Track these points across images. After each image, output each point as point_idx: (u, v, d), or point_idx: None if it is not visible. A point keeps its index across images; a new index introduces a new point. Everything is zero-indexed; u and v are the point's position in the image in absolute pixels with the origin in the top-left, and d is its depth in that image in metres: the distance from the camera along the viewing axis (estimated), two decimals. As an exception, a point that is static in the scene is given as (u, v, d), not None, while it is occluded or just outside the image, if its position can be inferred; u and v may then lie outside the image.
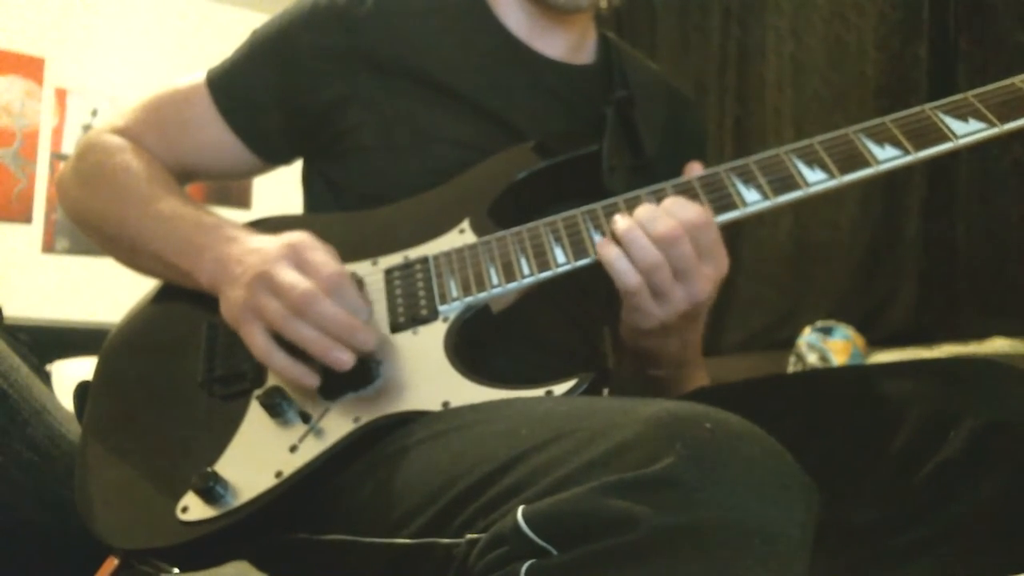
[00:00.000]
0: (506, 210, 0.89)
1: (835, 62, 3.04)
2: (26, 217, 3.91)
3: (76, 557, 0.93)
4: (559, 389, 0.73)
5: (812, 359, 2.67)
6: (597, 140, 0.94)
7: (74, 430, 1.04)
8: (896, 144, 0.79)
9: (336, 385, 0.78)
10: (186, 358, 0.87)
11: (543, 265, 0.82)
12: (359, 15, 0.98)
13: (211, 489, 0.75)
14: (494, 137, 0.95)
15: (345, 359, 0.76)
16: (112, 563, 0.84)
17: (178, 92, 1.03)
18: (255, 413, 0.80)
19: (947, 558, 0.73)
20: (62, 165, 1.09)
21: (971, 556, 0.72)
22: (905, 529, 0.74)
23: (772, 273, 3.16)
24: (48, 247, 3.95)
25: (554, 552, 0.52)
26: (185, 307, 0.91)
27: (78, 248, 3.91)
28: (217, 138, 1.02)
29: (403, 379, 0.78)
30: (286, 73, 0.99)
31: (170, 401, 0.86)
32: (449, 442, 0.68)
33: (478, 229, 0.87)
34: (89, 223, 1.00)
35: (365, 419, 0.77)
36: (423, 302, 0.83)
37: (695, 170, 0.85)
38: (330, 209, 1.00)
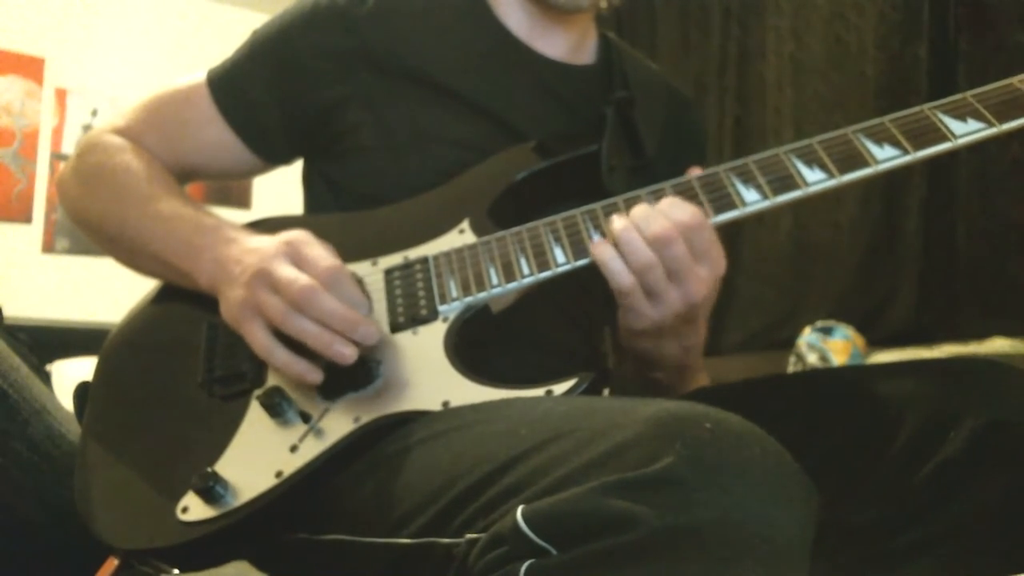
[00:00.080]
0: (506, 210, 0.89)
1: (835, 62, 3.04)
2: (26, 217, 3.92)
3: (76, 557, 0.93)
4: (559, 389, 0.73)
5: (812, 359, 2.67)
6: (597, 140, 0.94)
7: (74, 430, 1.04)
8: (895, 144, 0.79)
9: (336, 385, 0.79)
10: (186, 358, 0.87)
11: (543, 265, 0.82)
12: (359, 15, 0.98)
13: (211, 489, 0.75)
14: (494, 137, 0.95)
15: (347, 353, 0.76)
16: (112, 563, 0.84)
17: (178, 92, 1.04)
18: (255, 413, 0.80)
19: (947, 558, 0.73)
20: (62, 165, 1.09)
21: (971, 556, 0.72)
22: (905, 529, 0.74)
23: (772, 273, 3.16)
24: (48, 247, 3.95)
25: (554, 552, 0.52)
26: (185, 307, 0.91)
27: (78, 248, 3.91)
28: (217, 138, 1.02)
29: (403, 379, 0.79)
30: (286, 73, 0.99)
31: (170, 401, 0.86)
32: (449, 442, 0.68)
33: (478, 229, 0.87)
34: (89, 223, 1.00)
35: (365, 419, 0.77)
36: (423, 302, 0.83)
37: (694, 174, 0.85)
38: (330, 209, 1.00)
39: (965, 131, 0.78)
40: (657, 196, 0.82)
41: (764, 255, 3.18)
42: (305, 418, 0.78)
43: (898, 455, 0.76)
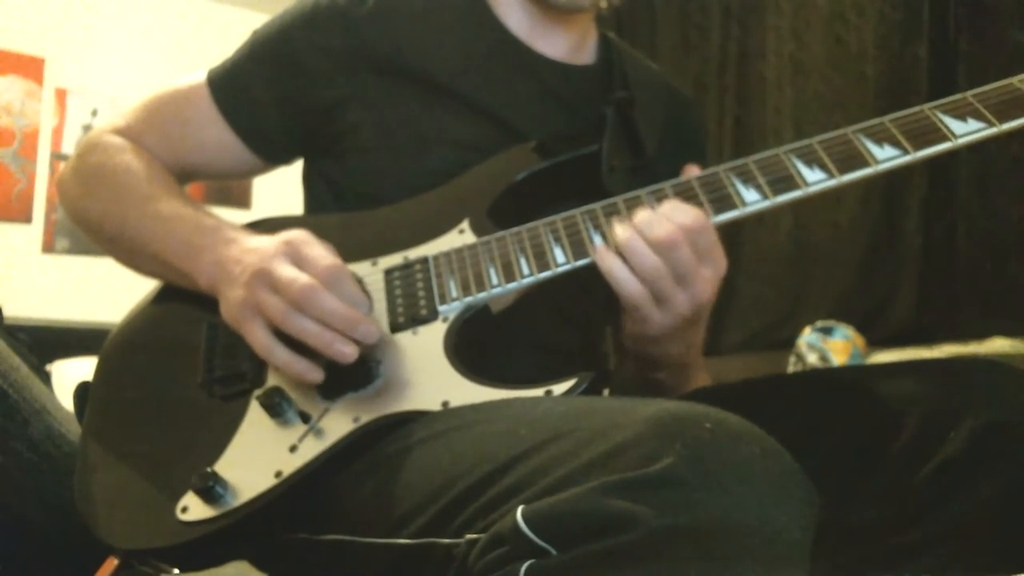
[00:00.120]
0: (506, 210, 0.89)
1: (835, 62, 3.04)
2: (26, 217, 3.92)
3: (76, 557, 0.93)
4: (558, 389, 0.73)
5: (812, 359, 2.67)
6: (597, 140, 0.94)
7: (74, 430, 1.04)
8: (895, 144, 0.79)
9: (336, 385, 0.79)
10: (186, 359, 0.87)
11: (543, 265, 0.82)
12: (359, 15, 0.98)
13: (211, 489, 0.75)
14: (494, 138, 0.95)
15: (348, 351, 0.76)
16: (112, 563, 0.84)
17: (179, 92, 1.04)
18: (255, 413, 0.80)
19: (947, 558, 0.73)
20: (63, 165, 1.09)
21: (971, 556, 0.72)
22: (905, 529, 0.74)
23: (772, 273, 3.16)
24: (48, 247, 3.95)
25: (553, 552, 0.52)
26: (185, 308, 0.91)
27: (78, 248, 3.91)
28: (218, 138, 1.02)
29: (403, 379, 0.78)
30: (286, 73, 0.99)
31: (170, 401, 0.86)
32: (449, 442, 0.68)
33: (478, 229, 0.87)
34: (89, 223, 1.00)
35: (365, 419, 0.77)
36: (423, 302, 0.83)
37: (692, 172, 0.85)
38: (330, 209, 1.00)
39: (965, 131, 0.78)
40: (657, 196, 0.82)
41: (764, 255, 3.18)
42: (305, 418, 0.78)
43: (898, 455, 0.76)
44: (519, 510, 0.54)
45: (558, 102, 1.01)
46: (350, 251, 0.86)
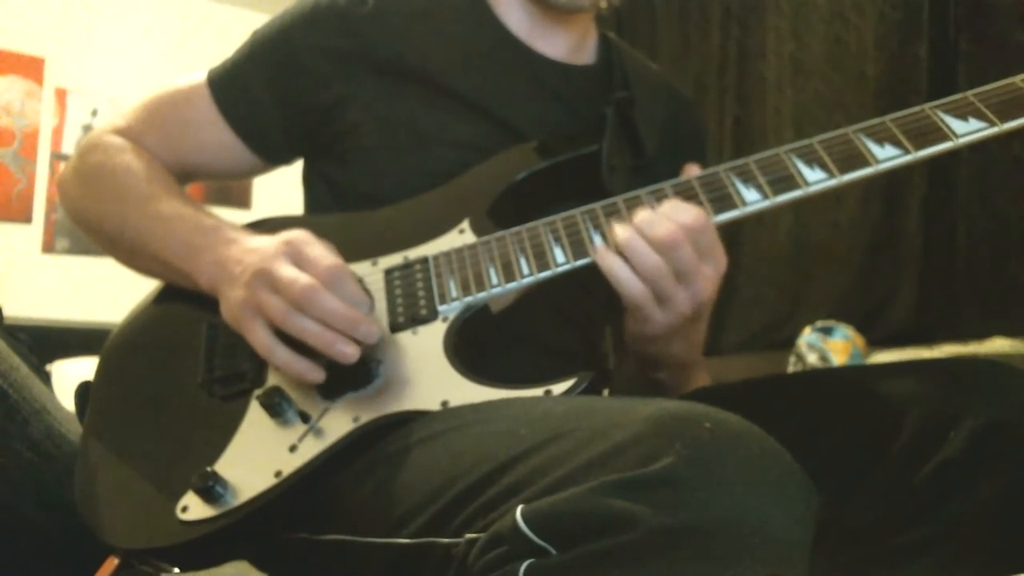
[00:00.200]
0: (506, 210, 0.89)
1: (835, 62, 3.04)
2: (26, 217, 3.92)
3: (76, 557, 0.93)
4: (558, 388, 0.73)
5: (812, 359, 2.67)
6: (597, 140, 0.94)
7: (74, 430, 1.04)
8: (896, 143, 0.79)
9: (336, 385, 0.79)
10: (186, 359, 0.87)
11: (542, 265, 0.82)
12: (360, 15, 0.98)
13: (211, 489, 0.75)
14: (494, 138, 0.95)
15: (349, 352, 0.76)
16: (112, 563, 0.84)
17: (179, 92, 1.04)
18: (255, 413, 0.80)
19: (947, 558, 0.73)
20: (63, 165, 1.09)
21: (971, 556, 0.72)
22: (905, 529, 0.74)
23: (772, 273, 3.16)
24: (48, 247, 3.95)
25: (553, 552, 0.52)
26: (186, 308, 0.91)
27: (78, 248, 3.91)
28: (218, 138, 1.02)
29: (403, 379, 0.78)
30: (286, 73, 0.99)
31: (171, 401, 0.86)
32: (448, 442, 0.68)
33: (478, 229, 0.87)
34: (90, 223, 1.00)
35: (364, 419, 0.77)
36: (423, 302, 0.83)
37: (692, 172, 0.85)
38: (330, 209, 1.00)
39: (966, 130, 0.78)
40: (657, 196, 0.82)
41: (764, 255, 3.18)
42: (304, 418, 0.78)
43: (898, 455, 0.76)
44: (518, 510, 0.54)
45: (558, 102, 1.01)
46: (350, 251, 0.86)
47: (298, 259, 0.79)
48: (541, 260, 0.82)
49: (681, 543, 0.50)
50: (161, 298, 0.97)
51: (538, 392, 0.73)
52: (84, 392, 0.93)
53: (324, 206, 1.01)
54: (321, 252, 0.80)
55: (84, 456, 0.86)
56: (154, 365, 0.90)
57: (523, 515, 0.53)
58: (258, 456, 0.77)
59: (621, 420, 0.56)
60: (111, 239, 0.98)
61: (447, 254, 0.85)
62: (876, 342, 2.71)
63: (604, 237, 0.81)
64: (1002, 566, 0.71)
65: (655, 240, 0.76)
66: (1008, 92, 0.78)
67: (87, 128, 4.02)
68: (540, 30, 1.03)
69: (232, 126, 1.01)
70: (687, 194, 0.82)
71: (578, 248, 0.81)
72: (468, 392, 0.75)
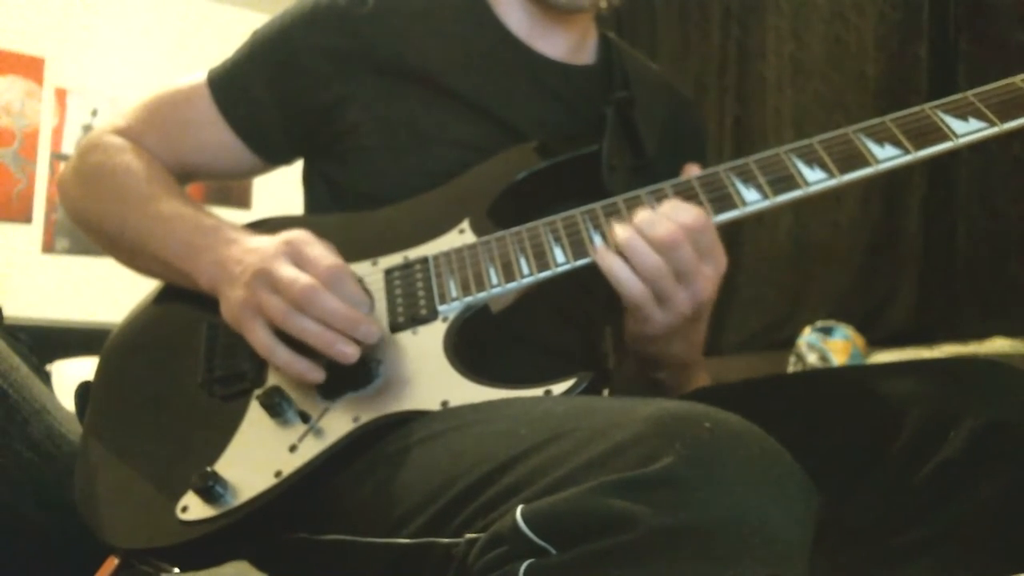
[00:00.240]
0: (506, 210, 0.89)
1: (835, 62, 3.04)
2: (26, 217, 3.92)
3: (76, 557, 0.93)
4: (558, 388, 0.73)
5: (812, 359, 2.67)
6: (597, 140, 0.94)
7: (74, 430, 1.04)
8: (896, 143, 0.79)
9: (336, 385, 0.79)
10: (187, 359, 0.87)
11: (542, 265, 0.82)
12: (359, 15, 0.98)
13: (211, 489, 0.75)
14: (494, 138, 0.95)
15: (349, 352, 0.76)
16: (112, 563, 0.84)
17: (179, 92, 1.04)
18: (255, 413, 0.80)
19: (947, 558, 0.73)
20: (63, 165, 1.09)
21: (971, 556, 0.72)
22: (905, 529, 0.74)
23: (772, 273, 3.16)
24: (48, 247, 3.95)
25: (553, 552, 0.52)
26: (186, 308, 0.91)
27: (78, 248, 3.91)
28: (218, 138, 1.02)
29: (402, 379, 0.78)
30: (286, 73, 0.99)
31: (171, 401, 0.86)
32: (448, 442, 0.68)
33: (478, 229, 0.87)
34: (90, 223, 1.00)
35: (364, 419, 0.77)
36: (422, 302, 0.83)
37: (692, 171, 0.85)
38: (330, 209, 1.00)
39: (966, 130, 0.78)
40: (657, 196, 0.82)
41: (764, 255, 3.18)
42: (304, 418, 0.78)
43: (898, 455, 0.76)
44: (518, 510, 0.54)
45: (558, 102, 1.01)
46: (350, 251, 0.86)
47: (298, 259, 0.79)
48: (541, 260, 0.82)
49: (681, 543, 0.50)
50: (161, 298, 0.97)
51: (538, 392, 0.73)
52: (84, 392, 0.93)
53: (324, 206, 1.01)
54: (321, 252, 0.80)
55: (84, 456, 0.86)
56: (154, 365, 0.90)
57: (523, 515, 0.53)
58: (258, 456, 0.77)
59: (621, 420, 0.56)
60: (111, 239, 0.98)
61: (447, 254, 0.85)
62: (876, 342, 2.71)
63: (604, 237, 0.81)
64: (1002, 566, 0.71)
65: (655, 240, 0.76)
66: (1008, 92, 0.78)
67: (87, 128, 4.02)
68: (540, 30, 1.03)
69: (232, 126, 1.01)
70: (687, 194, 0.82)
71: (578, 248, 0.81)
72: (468, 392, 0.75)
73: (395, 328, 0.82)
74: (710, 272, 0.79)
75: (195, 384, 0.85)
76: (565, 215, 0.84)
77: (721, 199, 0.81)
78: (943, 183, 2.69)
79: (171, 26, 4.28)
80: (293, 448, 0.77)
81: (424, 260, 0.86)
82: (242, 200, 4.26)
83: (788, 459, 0.56)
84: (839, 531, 0.74)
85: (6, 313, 1.30)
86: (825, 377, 1.01)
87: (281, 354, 0.78)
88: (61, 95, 4.02)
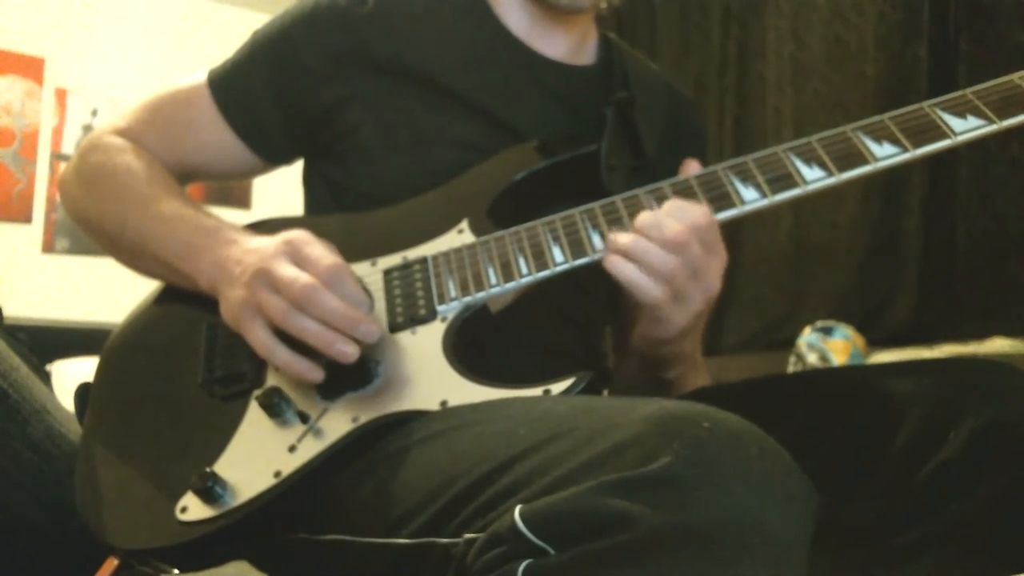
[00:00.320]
0: (505, 210, 0.89)
1: (835, 62, 3.04)
2: (26, 217, 3.92)
3: (76, 557, 0.93)
4: (557, 388, 0.73)
5: (812, 359, 2.67)
6: (597, 140, 0.94)
7: (74, 430, 1.04)
8: (894, 141, 0.79)
9: (335, 385, 0.78)
10: (186, 359, 0.87)
11: (541, 265, 0.82)
12: (360, 16, 0.98)
13: (210, 489, 0.75)
14: (494, 138, 0.95)
15: (349, 351, 0.76)
16: (112, 563, 0.84)
17: (179, 92, 1.04)
18: (254, 413, 0.80)
19: (947, 558, 0.73)
20: (63, 165, 1.10)
21: (971, 556, 0.72)
22: (905, 529, 0.74)
23: (772, 273, 3.16)
24: (48, 247, 3.95)
25: (551, 552, 0.52)
26: (186, 308, 0.91)
27: (78, 248, 3.91)
28: (218, 138, 1.02)
29: (402, 379, 0.78)
30: (286, 73, 0.99)
31: (170, 402, 0.86)
32: (448, 442, 0.68)
33: (477, 229, 0.87)
34: (90, 223, 1.00)
35: (364, 419, 0.77)
36: (422, 302, 0.83)
37: (691, 168, 0.85)
38: (330, 209, 1.00)
39: (965, 128, 0.78)
40: (656, 196, 0.82)
41: (764, 255, 3.18)
42: (304, 418, 0.78)
43: (898, 455, 0.76)
44: (517, 510, 0.54)
45: (558, 102, 1.01)
46: (350, 251, 0.86)
47: (298, 259, 0.79)
48: (540, 260, 0.82)
49: (680, 543, 0.49)
50: (161, 299, 0.97)
51: (537, 392, 0.73)
52: (84, 393, 0.93)
53: (324, 206, 1.01)
54: (321, 252, 0.80)
55: (84, 456, 0.86)
56: (154, 365, 0.90)
57: (522, 515, 0.53)
58: (257, 456, 0.77)
59: (620, 420, 0.56)
60: (111, 239, 0.98)
61: (446, 254, 0.85)
62: (876, 342, 2.71)
63: (603, 237, 0.81)
64: (1002, 566, 0.71)
65: (668, 242, 0.77)
66: (1007, 89, 0.78)
67: (87, 128, 4.02)
68: (540, 30, 1.03)
69: (232, 126, 1.01)
70: (685, 193, 0.82)
71: (577, 248, 0.81)
72: (467, 392, 0.75)
73: (394, 328, 0.82)
74: (717, 265, 0.80)
75: (195, 384, 0.85)
76: (564, 215, 0.84)
77: (719, 198, 0.81)
78: (943, 183, 2.69)
79: (171, 26, 4.27)
80: (292, 448, 0.77)
81: (423, 260, 0.86)
82: (242, 200, 4.26)
83: (788, 459, 0.56)
84: (839, 531, 0.74)
85: (6, 313, 1.30)
86: (825, 377, 1.01)
87: (281, 354, 0.78)
88: (61, 95, 4.02)
